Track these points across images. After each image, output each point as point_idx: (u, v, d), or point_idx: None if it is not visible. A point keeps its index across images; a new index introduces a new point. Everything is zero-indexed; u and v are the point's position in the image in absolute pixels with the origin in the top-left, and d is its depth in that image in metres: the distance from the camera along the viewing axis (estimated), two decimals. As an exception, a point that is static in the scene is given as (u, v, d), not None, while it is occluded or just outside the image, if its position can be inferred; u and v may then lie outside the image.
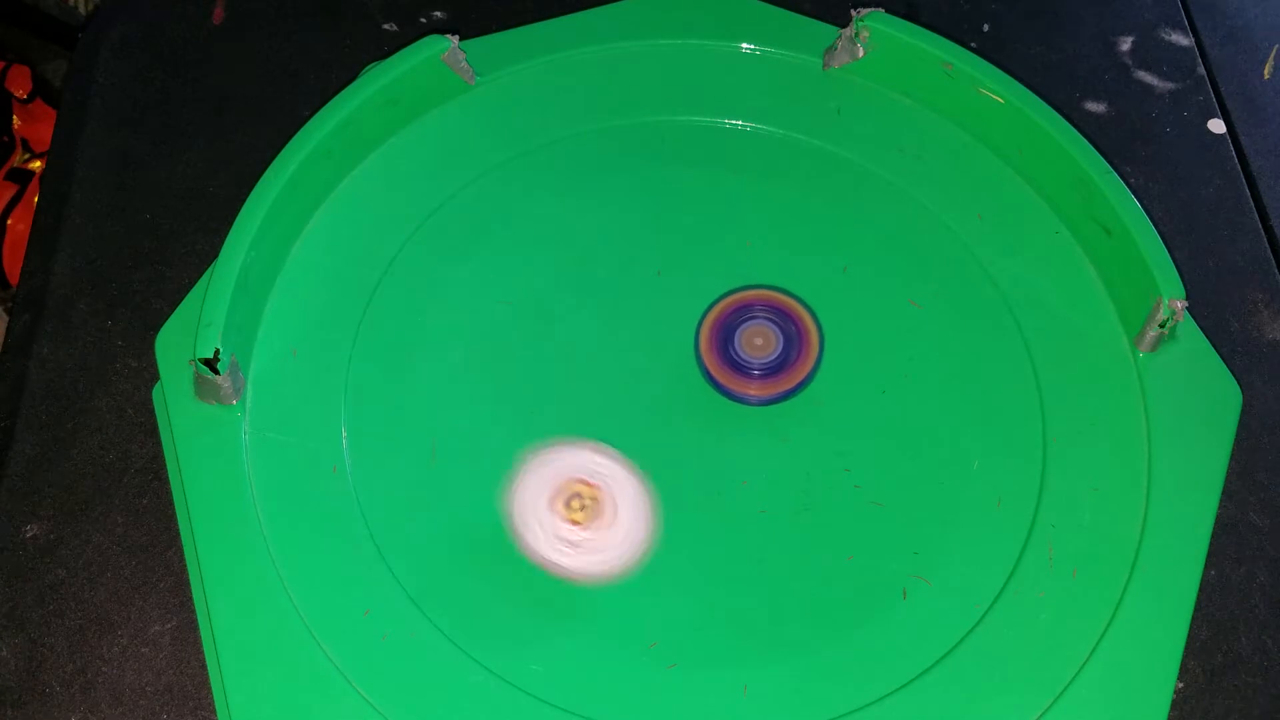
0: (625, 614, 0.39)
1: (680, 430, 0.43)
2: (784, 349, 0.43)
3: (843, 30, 0.50)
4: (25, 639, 0.39)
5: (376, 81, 0.47)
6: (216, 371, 0.40)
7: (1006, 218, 0.48)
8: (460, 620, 0.39)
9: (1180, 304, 0.43)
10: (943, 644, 0.39)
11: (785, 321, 0.43)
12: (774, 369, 0.43)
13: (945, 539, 0.41)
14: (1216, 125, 0.53)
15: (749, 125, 0.50)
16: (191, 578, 0.40)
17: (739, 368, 0.43)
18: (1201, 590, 0.40)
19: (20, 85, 0.83)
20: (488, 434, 0.42)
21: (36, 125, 0.84)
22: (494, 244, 0.46)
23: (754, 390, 0.43)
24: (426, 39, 0.48)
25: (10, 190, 0.82)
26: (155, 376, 0.43)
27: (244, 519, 0.40)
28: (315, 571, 0.39)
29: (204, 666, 0.39)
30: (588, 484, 0.40)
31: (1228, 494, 0.43)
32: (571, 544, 0.39)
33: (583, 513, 0.40)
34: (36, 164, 0.83)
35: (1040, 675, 0.38)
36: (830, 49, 0.51)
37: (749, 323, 0.43)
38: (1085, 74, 0.54)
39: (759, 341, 0.43)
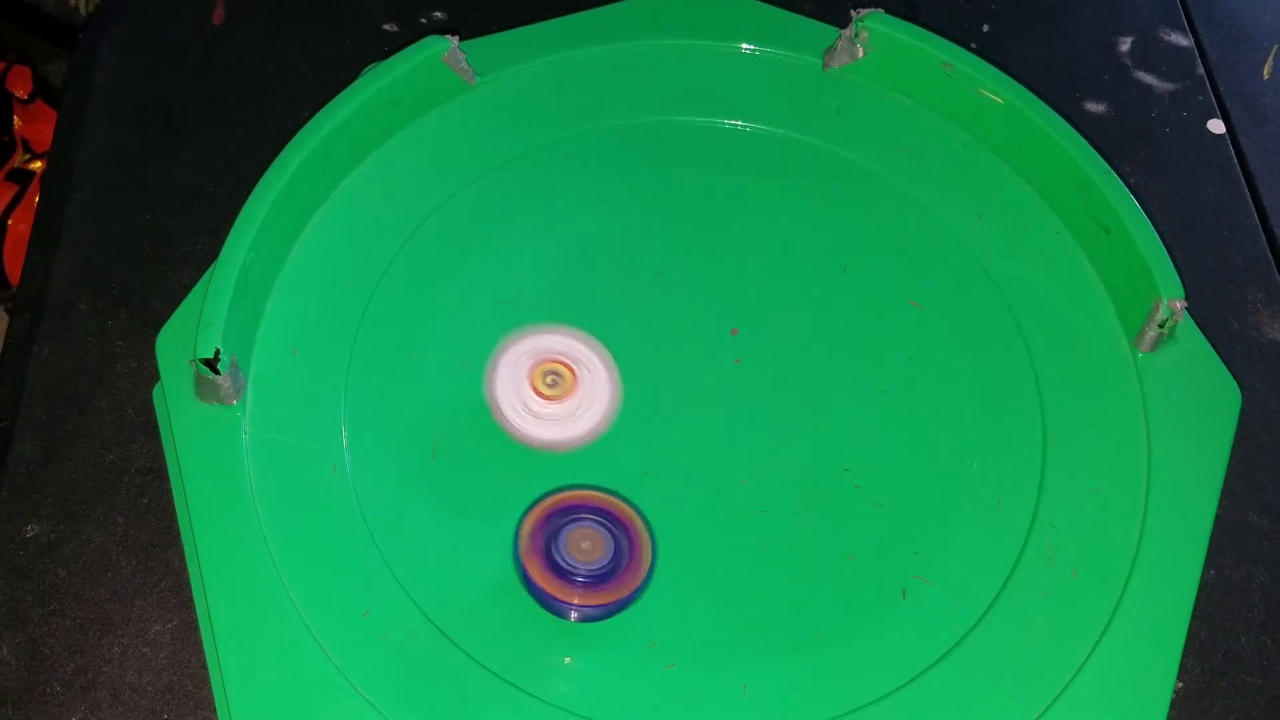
0: (625, 614, 0.39)
1: (680, 429, 0.43)
2: (614, 557, 0.38)
3: (843, 30, 0.50)
4: (25, 639, 0.39)
5: (376, 81, 0.47)
6: (216, 371, 0.40)
7: (1006, 218, 0.48)
8: (460, 620, 0.39)
9: (1180, 304, 0.43)
10: (943, 644, 0.39)
11: (615, 527, 0.38)
12: (601, 578, 0.37)
13: (945, 539, 0.41)
14: (1216, 125, 0.53)
15: (749, 125, 0.50)
16: (191, 578, 0.40)
17: (562, 573, 0.37)
18: (1201, 590, 0.40)
19: (20, 85, 0.83)
20: (488, 434, 0.42)
21: (37, 125, 0.84)
22: (494, 244, 0.46)
23: (576, 599, 0.37)
24: (426, 39, 0.48)
25: (10, 190, 0.82)
26: (155, 376, 0.43)
27: (244, 519, 0.40)
28: (315, 571, 0.39)
29: (204, 666, 0.39)
30: (560, 362, 0.40)
31: (1228, 494, 0.43)
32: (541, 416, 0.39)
33: (555, 388, 0.39)
34: (37, 164, 0.83)
35: (1040, 675, 0.38)
36: (830, 49, 0.51)
37: (575, 524, 0.38)
38: (1085, 74, 0.54)
39: (585, 545, 0.38)
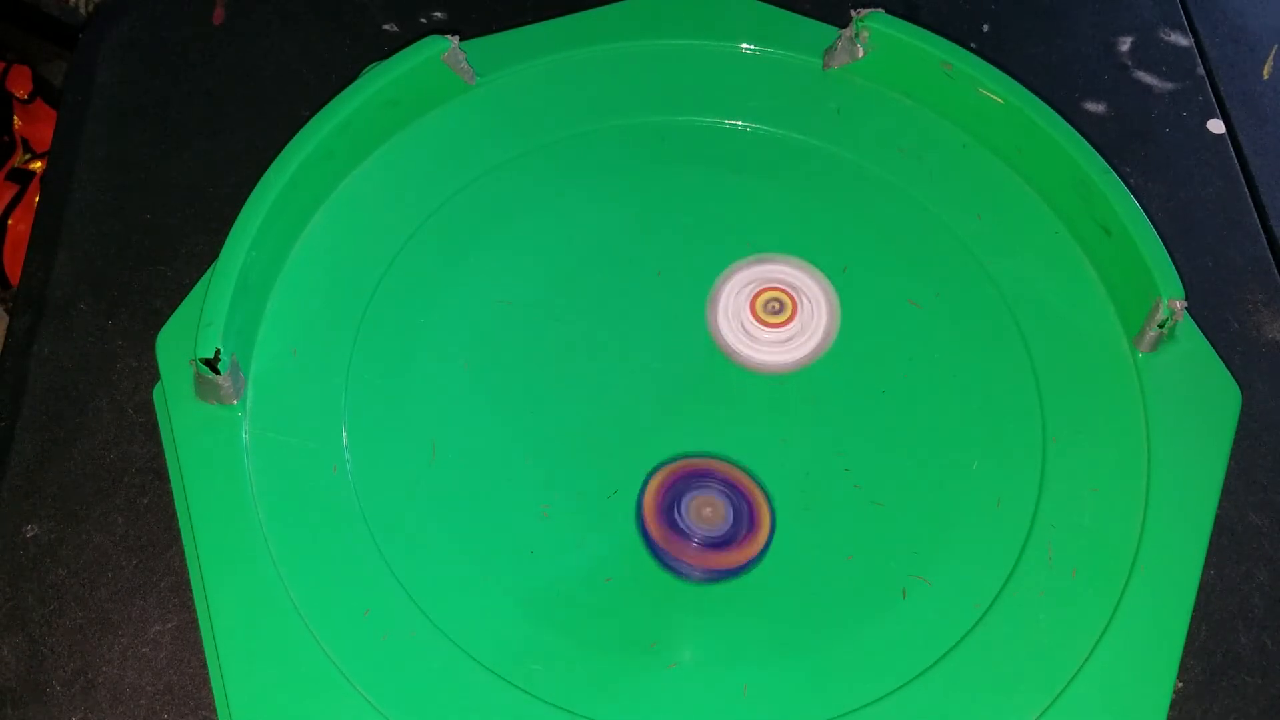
0: (625, 614, 0.39)
1: (680, 429, 0.43)
2: (734, 524, 0.40)
3: (843, 30, 0.50)
4: (25, 639, 0.39)
5: (376, 81, 0.47)
6: (217, 371, 0.40)
7: (1006, 218, 0.48)
8: (460, 620, 0.39)
9: (1180, 304, 0.43)
10: (943, 644, 0.39)
11: (736, 496, 0.40)
12: (721, 543, 0.40)
13: (945, 539, 0.41)
14: (1216, 125, 0.53)
15: (749, 125, 0.50)
16: (191, 578, 0.40)
17: (683, 534, 0.40)
18: (1201, 590, 0.40)
19: (20, 85, 0.83)
20: (488, 434, 0.42)
21: (37, 125, 0.84)
22: (494, 244, 0.46)
23: (694, 559, 0.40)
24: (426, 39, 0.48)
25: (10, 190, 0.82)
26: (155, 376, 0.43)
27: (244, 519, 0.40)
28: (315, 571, 0.39)
29: (204, 666, 0.39)
30: (780, 289, 0.41)
31: (1228, 494, 0.43)
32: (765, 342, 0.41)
33: (778, 315, 0.41)
34: (37, 164, 0.83)
35: (1040, 675, 0.38)
36: (830, 49, 0.51)
37: (698, 491, 0.41)
38: (1085, 74, 0.54)
39: (708, 511, 0.40)
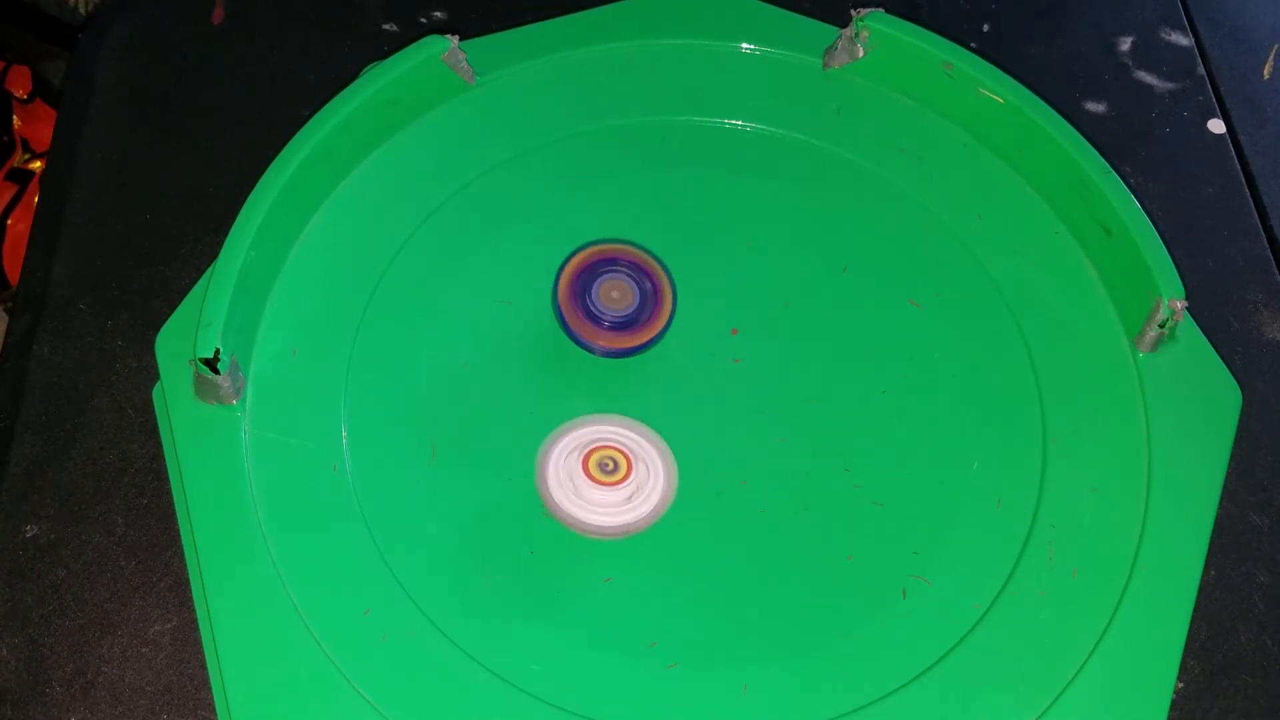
0: (625, 614, 0.39)
1: (680, 429, 0.43)
2: (639, 305, 0.43)
3: (843, 30, 0.50)
4: (25, 639, 0.39)
5: (376, 81, 0.47)
6: (216, 371, 0.40)
7: (1006, 218, 0.48)
8: (460, 620, 0.39)
9: (1180, 304, 0.43)
10: (943, 644, 0.39)
11: (641, 278, 0.43)
12: (626, 324, 0.43)
13: (945, 539, 0.41)
14: (1216, 125, 0.53)
15: (749, 125, 0.50)
16: (191, 578, 0.40)
17: (593, 318, 0.43)
18: (1201, 590, 0.40)
19: (20, 85, 0.83)
20: (488, 434, 0.42)
21: (36, 125, 0.84)
22: (494, 244, 0.46)
23: (602, 341, 0.43)
24: (426, 39, 0.48)
25: (10, 190, 0.82)
26: (155, 376, 0.43)
27: (244, 519, 0.40)
28: (315, 571, 0.39)
29: (204, 666, 0.39)
30: (616, 449, 0.41)
31: (1228, 494, 0.43)
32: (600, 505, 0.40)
33: (613, 475, 0.40)
34: (36, 164, 0.83)
35: (1040, 675, 0.38)
36: (830, 49, 0.51)
37: (607, 275, 0.43)
38: (1085, 74, 0.54)
39: (615, 295, 0.43)
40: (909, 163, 0.49)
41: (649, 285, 0.43)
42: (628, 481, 0.40)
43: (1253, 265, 0.49)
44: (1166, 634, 0.39)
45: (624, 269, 0.43)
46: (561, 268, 0.43)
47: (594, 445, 0.41)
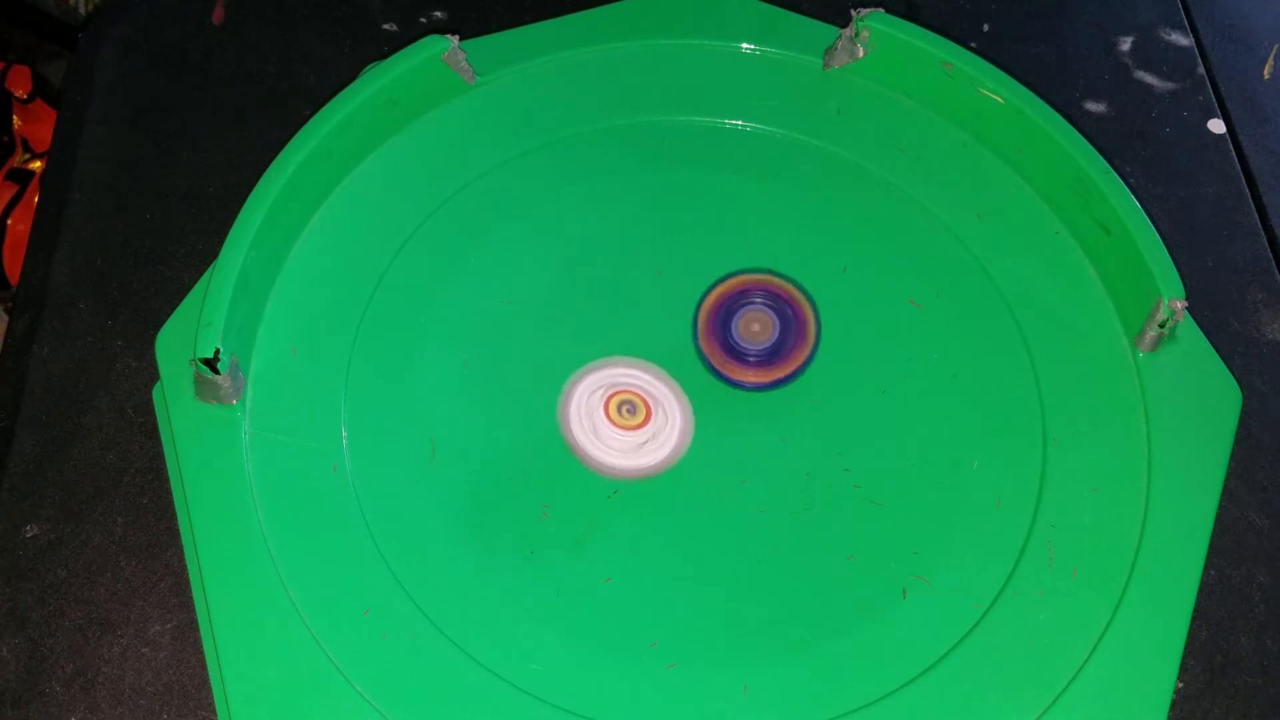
0: (625, 614, 0.39)
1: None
2: (780, 335, 0.43)
3: (843, 30, 0.50)
4: (25, 639, 0.39)
5: (376, 81, 0.47)
6: (216, 371, 0.40)
7: (1006, 218, 0.48)
8: (460, 620, 0.39)
9: (1180, 304, 0.43)
10: (942, 644, 0.39)
11: (782, 307, 0.43)
12: (769, 356, 0.43)
13: (945, 539, 0.41)
14: (1216, 125, 0.53)
15: (749, 125, 0.50)
16: (191, 578, 0.40)
17: (735, 354, 0.43)
18: (1201, 590, 0.40)
19: (20, 85, 0.83)
20: (488, 434, 0.42)
21: (36, 125, 0.84)
22: (494, 244, 0.46)
23: (750, 377, 0.43)
24: (426, 39, 0.48)
25: (10, 190, 0.82)
26: (155, 376, 0.43)
27: (244, 519, 0.40)
28: (315, 571, 0.39)
29: (204, 666, 0.39)
30: (637, 394, 0.42)
31: (1228, 494, 0.43)
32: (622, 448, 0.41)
33: (632, 419, 0.41)
34: (36, 164, 0.83)
35: (1040, 675, 0.38)
36: (830, 49, 0.51)
37: (746, 308, 0.43)
38: (1085, 74, 0.54)
39: (756, 328, 0.43)
40: (909, 163, 0.49)
41: (788, 311, 0.43)
42: (645, 427, 0.40)
43: (1253, 265, 0.49)
44: (1166, 634, 0.39)
45: (759, 300, 0.44)
46: (698, 309, 0.43)
47: (616, 389, 0.41)
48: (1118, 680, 0.38)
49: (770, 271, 0.44)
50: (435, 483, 0.41)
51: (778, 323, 0.43)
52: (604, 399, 0.40)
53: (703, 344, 0.43)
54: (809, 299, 0.43)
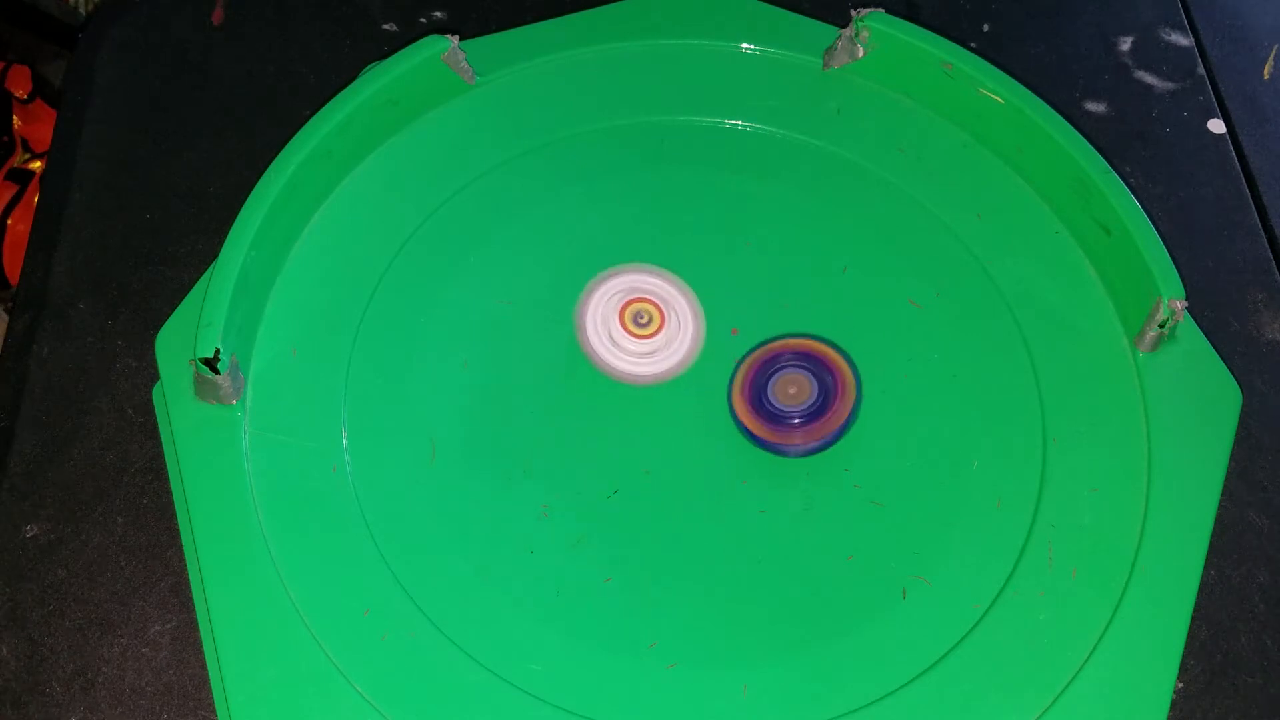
0: (625, 614, 0.39)
1: (679, 429, 0.43)
2: (820, 395, 0.42)
3: (843, 30, 0.50)
4: (25, 639, 0.39)
5: (376, 81, 0.47)
6: (216, 371, 0.40)
7: (1006, 218, 0.48)
8: (460, 620, 0.39)
9: (1180, 304, 0.43)
10: (942, 644, 0.39)
11: (820, 369, 0.43)
12: (812, 415, 0.42)
13: (945, 539, 0.41)
14: (1216, 125, 0.53)
15: (749, 125, 0.50)
16: (191, 578, 0.40)
17: (776, 418, 0.42)
18: (1201, 590, 0.40)
19: (20, 85, 0.83)
20: (488, 434, 0.42)
21: (36, 125, 0.84)
22: (494, 244, 0.46)
23: (797, 439, 0.42)
24: (426, 39, 0.48)
25: (10, 190, 0.82)
26: (155, 376, 0.43)
27: (244, 519, 0.40)
28: (315, 571, 0.39)
29: (204, 666, 0.39)
30: (651, 302, 0.43)
31: (1228, 494, 0.43)
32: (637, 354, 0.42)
33: (646, 327, 0.42)
34: (36, 164, 0.83)
35: (1040, 675, 0.38)
36: (830, 49, 0.51)
37: (782, 371, 0.43)
38: (1085, 74, 0.54)
39: (793, 390, 0.42)
40: (909, 163, 0.49)
41: (826, 375, 0.43)
42: (659, 335, 0.41)
43: (1253, 265, 0.49)
44: (1166, 634, 0.39)
45: (793, 362, 0.43)
46: (732, 380, 0.43)
47: (631, 297, 0.42)
48: (1118, 680, 0.38)
49: (805, 335, 0.44)
50: (435, 483, 0.41)
51: (815, 383, 0.42)
52: (619, 307, 0.41)
53: (742, 416, 0.42)
54: (846, 357, 0.43)
